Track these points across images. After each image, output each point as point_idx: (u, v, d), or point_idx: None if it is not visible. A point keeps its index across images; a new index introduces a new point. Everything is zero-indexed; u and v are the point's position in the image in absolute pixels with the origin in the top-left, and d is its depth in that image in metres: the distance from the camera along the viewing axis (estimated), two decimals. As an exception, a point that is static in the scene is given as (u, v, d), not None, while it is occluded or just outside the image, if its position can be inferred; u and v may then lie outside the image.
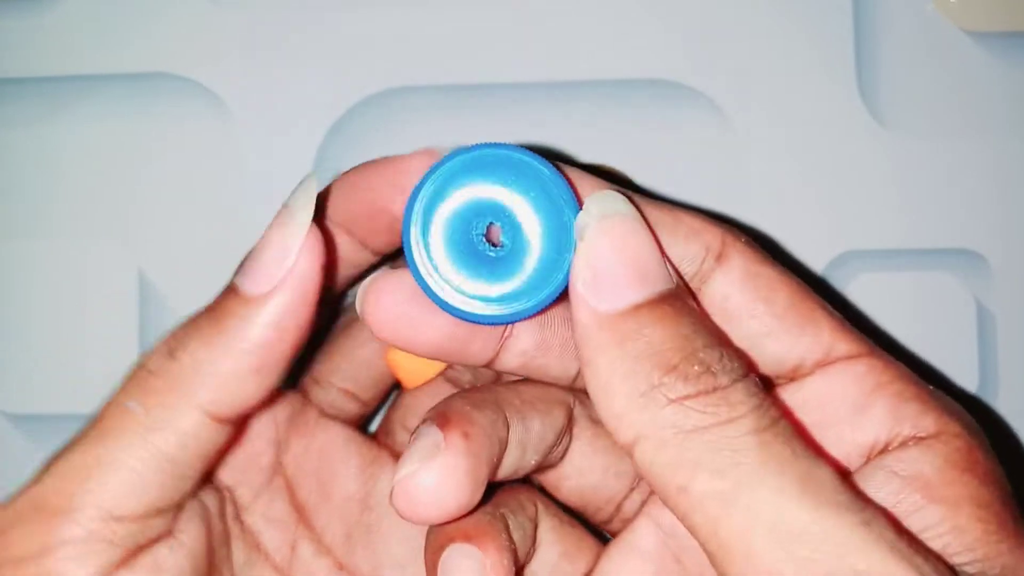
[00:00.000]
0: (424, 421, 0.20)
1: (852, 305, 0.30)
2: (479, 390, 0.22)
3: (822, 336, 0.20)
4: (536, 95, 0.31)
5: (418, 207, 0.19)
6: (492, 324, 0.19)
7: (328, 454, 0.24)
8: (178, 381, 0.19)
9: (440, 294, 0.19)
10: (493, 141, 0.19)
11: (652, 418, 0.17)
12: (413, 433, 0.20)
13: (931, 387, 0.20)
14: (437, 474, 0.19)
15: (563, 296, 0.19)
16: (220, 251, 0.31)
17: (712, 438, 0.16)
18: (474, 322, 0.19)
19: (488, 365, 0.21)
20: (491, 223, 0.19)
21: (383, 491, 0.24)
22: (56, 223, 0.31)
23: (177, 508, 0.20)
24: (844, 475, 0.18)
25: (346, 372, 0.25)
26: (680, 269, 0.20)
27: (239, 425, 0.20)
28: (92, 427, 0.19)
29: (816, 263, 0.30)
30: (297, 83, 0.31)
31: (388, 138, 0.31)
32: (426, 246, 0.19)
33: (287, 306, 0.18)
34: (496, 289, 0.19)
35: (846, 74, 0.30)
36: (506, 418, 0.21)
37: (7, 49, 0.32)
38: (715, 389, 0.17)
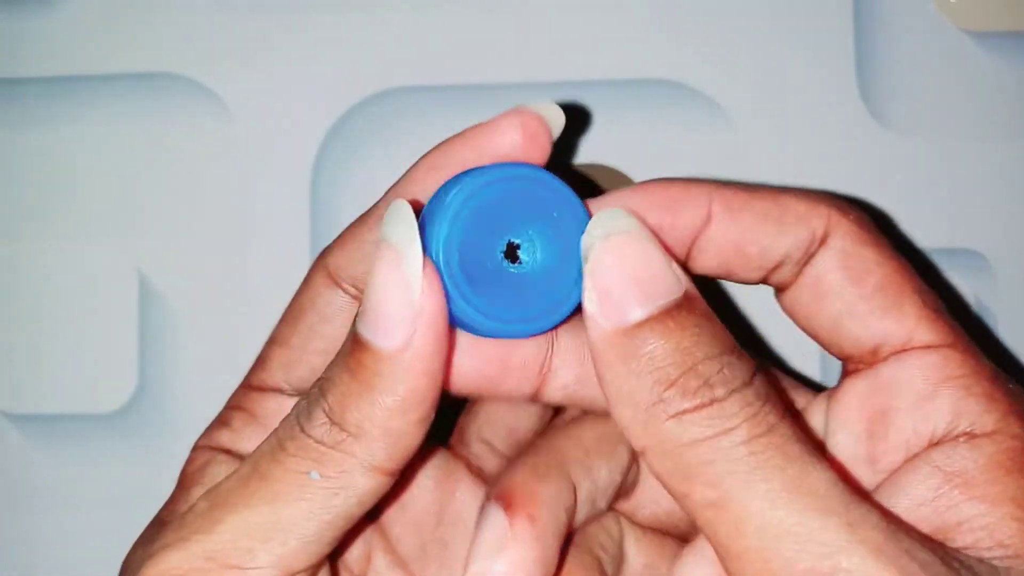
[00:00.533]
0: (489, 499, 0.20)
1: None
2: (541, 449, 0.22)
3: (906, 321, 0.20)
4: (536, 95, 0.31)
5: (438, 227, 0.18)
6: (507, 337, 0.20)
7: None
8: (350, 448, 0.19)
9: (461, 315, 0.19)
10: (510, 161, 0.19)
11: (654, 431, 0.18)
12: (481, 510, 0.20)
13: (1013, 385, 0.20)
14: (507, 568, 0.19)
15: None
16: (220, 251, 0.31)
17: (706, 450, 0.17)
18: (492, 337, 0.19)
19: (533, 400, 0.22)
20: (511, 241, 0.19)
21: (459, 507, 0.24)
22: (56, 223, 0.32)
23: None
24: (842, 475, 0.18)
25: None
26: (788, 256, 0.21)
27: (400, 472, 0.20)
28: (265, 486, 0.19)
29: (816, 263, 0.30)
30: (297, 83, 0.31)
31: (388, 138, 0.31)
32: (446, 264, 0.19)
33: (429, 352, 0.18)
34: (515, 306, 0.19)
35: (846, 74, 0.31)
36: (571, 481, 0.21)
37: (9, 50, 0.32)
38: (712, 402, 0.17)
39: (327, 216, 0.31)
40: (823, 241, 0.21)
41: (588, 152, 0.31)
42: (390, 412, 0.18)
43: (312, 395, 0.19)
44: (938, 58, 0.31)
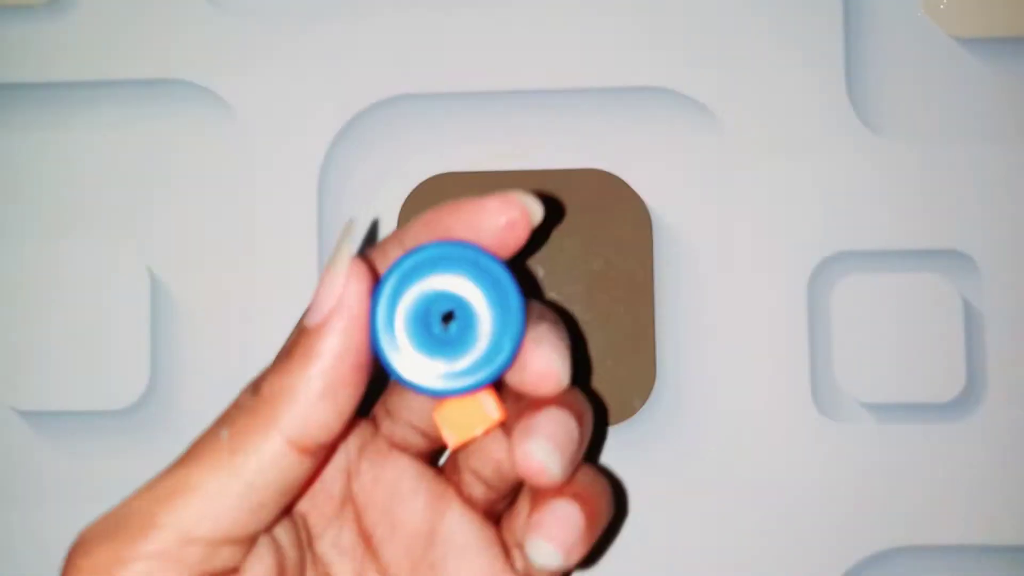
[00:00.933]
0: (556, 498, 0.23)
1: (841, 305, 0.31)
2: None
3: None
4: (533, 101, 0.31)
5: (384, 297, 0.21)
6: (440, 396, 0.22)
7: (396, 487, 0.25)
8: (259, 410, 0.20)
9: (402, 372, 0.21)
10: (447, 240, 0.22)
11: None
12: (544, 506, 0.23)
13: None
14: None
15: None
16: (229, 252, 0.32)
17: None
18: (427, 395, 0.22)
19: None
20: (447, 310, 0.22)
21: (448, 528, 0.24)
22: (68, 225, 0.32)
23: (250, 541, 0.21)
24: None
25: (416, 409, 0.25)
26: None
27: (318, 458, 0.21)
28: (187, 454, 0.21)
29: (805, 264, 0.31)
30: (304, 89, 0.32)
31: (393, 144, 0.32)
32: (390, 329, 0.21)
33: (341, 331, 0.20)
34: (449, 367, 0.22)
35: (836, 79, 0.31)
36: None
37: (17, 55, 0.32)
38: None
39: (334, 219, 0.32)
40: None
41: (583, 157, 0.31)
42: (304, 382, 0.20)
43: (255, 377, 0.21)
44: (927, 63, 0.31)
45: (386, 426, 0.26)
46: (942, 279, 0.30)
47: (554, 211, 0.31)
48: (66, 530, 0.31)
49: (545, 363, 0.22)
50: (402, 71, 0.32)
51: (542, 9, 0.32)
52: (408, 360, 0.21)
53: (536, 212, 0.22)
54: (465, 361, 0.22)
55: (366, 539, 0.24)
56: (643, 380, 0.30)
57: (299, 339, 0.21)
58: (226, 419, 0.21)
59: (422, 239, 0.22)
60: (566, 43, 0.32)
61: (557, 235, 0.31)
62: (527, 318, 0.22)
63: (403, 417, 0.25)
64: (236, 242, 0.32)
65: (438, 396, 0.22)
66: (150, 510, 0.20)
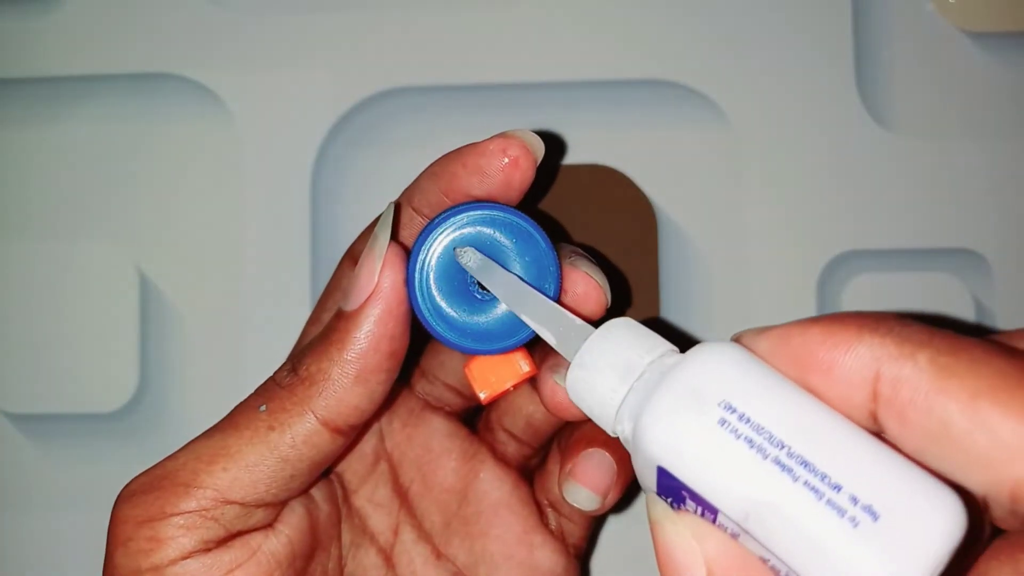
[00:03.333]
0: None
1: (852, 305, 0.30)
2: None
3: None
4: (536, 96, 0.31)
5: (418, 266, 0.22)
6: (460, 350, 0.22)
7: (430, 445, 0.26)
8: (296, 389, 0.21)
9: (438, 329, 0.22)
10: (470, 202, 0.22)
11: None
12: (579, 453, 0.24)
13: None
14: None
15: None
16: (220, 251, 0.31)
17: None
18: (464, 351, 0.22)
19: None
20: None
21: (481, 486, 0.26)
22: (57, 223, 0.31)
23: (283, 505, 0.23)
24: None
25: (450, 368, 0.26)
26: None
27: (349, 437, 0.22)
28: (226, 421, 0.22)
29: (816, 263, 0.30)
30: (297, 84, 0.31)
31: (388, 138, 0.31)
32: (428, 295, 0.22)
33: (378, 317, 0.21)
34: (481, 325, 0.22)
35: (845, 74, 0.31)
36: None
37: (9, 50, 0.32)
38: None
39: (327, 215, 0.31)
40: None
41: (588, 152, 0.31)
42: (338, 365, 0.21)
43: (293, 354, 0.23)
44: (936, 59, 0.31)
45: (421, 386, 0.27)
46: (953, 278, 0.30)
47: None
48: (55, 532, 0.31)
49: (584, 284, 0.22)
50: (399, 63, 0.31)
51: (543, 1, 0.31)
52: (455, 324, 0.22)
53: (537, 147, 0.23)
54: (489, 326, 0.22)
55: (401, 495, 0.26)
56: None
57: (336, 323, 0.22)
58: (263, 393, 0.22)
59: (429, 193, 0.23)
60: (569, 35, 0.31)
61: (560, 232, 0.30)
62: (560, 260, 0.22)
63: (439, 377, 0.26)
64: (227, 241, 0.31)
65: (483, 354, 0.22)
66: (194, 469, 0.21)
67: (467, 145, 0.23)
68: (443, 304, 0.22)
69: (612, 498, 0.24)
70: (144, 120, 0.31)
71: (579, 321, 0.19)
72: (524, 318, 0.20)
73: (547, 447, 0.26)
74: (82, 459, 0.31)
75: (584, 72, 0.31)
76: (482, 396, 0.23)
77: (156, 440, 0.31)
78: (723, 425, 0.15)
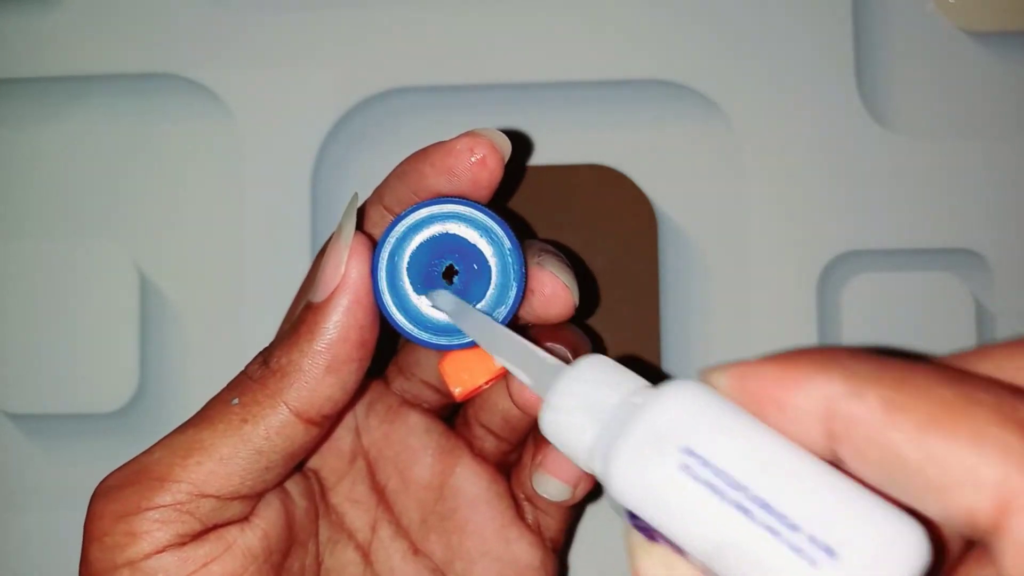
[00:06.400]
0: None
1: (851, 305, 0.30)
2: None
3: None
4: (536, 96, 0.31)
5: (383, 261, 0.22)
6: (454, 349, 0.22)
7: (407, 442, 0.26)
8: (268, 382, 0.21)
9: (405, 327, 0.22)
10: (435, 198, 0.22)
11: None
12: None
13: None
14: None
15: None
16: (221, 251, 0.31)
17: None
18: (440, 349, 0.22)
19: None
20: (448, 263, 0.22)
21: (459, 482, 0.26)
22: (57, 222, 0.31)
23: (258, 497, 0.23)
24: None
25: (427, 365, 0.26)
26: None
27: (323, 428, 0.22)
28: (199, 415, 0.22)
29: (816, 263, 0.30)
30: (298, 84, 0.31)
31: (388, 138, 0.31)
32: (395, 290, 0.22)
33: (346, 307, 0.21)
34: (445, 320, 0.22)
35: (846, 74, 0.31)
36: None
37: (10, 49, 0.32)
38: None
39: (327, 215, 0.31)
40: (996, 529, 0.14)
41: (588, 152, 0.31)
42: (310, 357, 0.21)
43: (265, 348, 0.23)
44: (937, 58, 0.31)
45: (399, 383, 0.27)
46: (953, 278, 0.30)
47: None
48: (55, 532, 0.31)
49: (552, 285, 0.22)
50: (400, 63, 0.31)
51: (543, 1, 0.31)
52: (421, 320, 0.22)
53: (504, 146, 0.23)
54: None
55: (379, 491, 0.26)
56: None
57: (305, 315, 0.22)
58: (236, 387, 0.22)
59: (399, 191, 0.23)
60: (570, 35, 0.31)
61: (559, 232, 0.30)
62: (526, 257, 0.22)
63: (415, 374, 0.26)
64: (227, 241, 0.31)
65: (451, 350, 0.22)
66: (169, 463, 0.21)
67: (435, 144, 0.23)
68: (407, 299, 0.22)
69: (583, 489, 0.24)
70: (144, 120, 0.31)
71: (551, 360, 0.19)
72: (499, 360, 0.21)
73: (525, 442, 0.26)
74: (82, 459, 0.31)
75: (584, 72, 0.31)
76: (456, 393, 0.23)
77: (156, 439, 0.31)
78: (684, 471, 0.15)
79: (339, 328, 0.21)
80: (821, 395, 0.15)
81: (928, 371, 0.15)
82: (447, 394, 0.26)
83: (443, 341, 0.22)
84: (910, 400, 0.14)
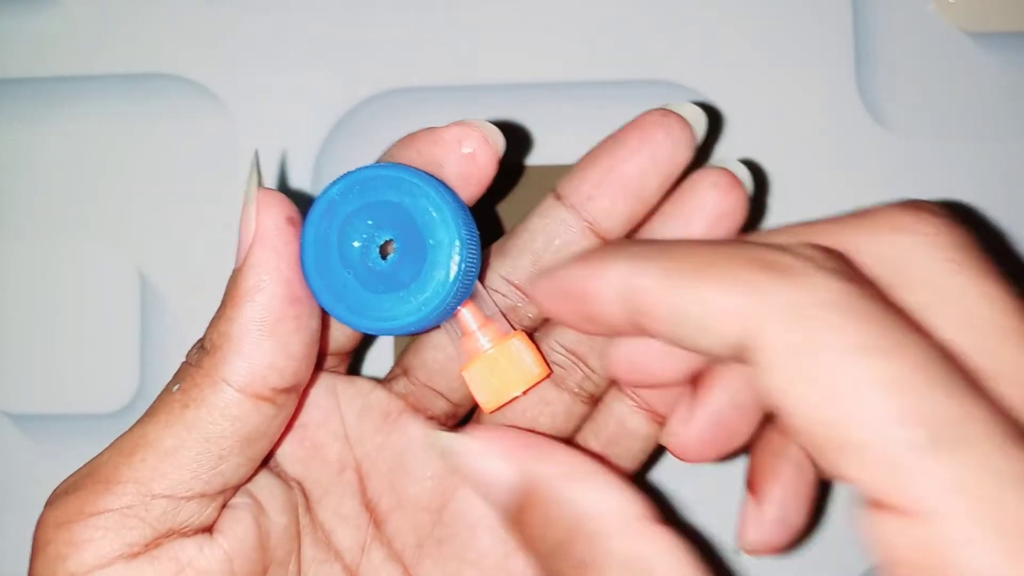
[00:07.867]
0: None
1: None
2: None
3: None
4: (535, 96, 0.31)
5: (309, 235, 0.20)
6: (395, 334, 0.20)
7: (404, 456, 0.23)
8: (204, 362, 0.20)
9: (345, 314, 0.20)
10: (362, 167, 0.20)
11: None
12: None
13: None
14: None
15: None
16: (221, 252, 0.31)
17: None
18: (377, 334, 0.20)
19: None
20: (384, 240, 0.20)
21: (460, 505, 0.23)
22: (56, 223, 0.31)
23: (218, 496, 0.20)
24: None
25: (433, 368, 0.23)
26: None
27: (278, 403, 0.20)
28: (146, 411, 0.20)
29: (815, 263, 0.30)
30: (297, 85, 0.31)
31: (389, 139, 0.31)
32: (325, 270, 0.20)
33: (264, 261, 0.19)
34: (402, 301, 0.19)
35: (845, 74, 0.31)
36: None
37: (8, 49, 0.32)
38: None
39: (327, 216, 0.31)
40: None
41: (584, 153, 0.31)
42: (237, 323, 0.19)
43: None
44: (937, 59, 0.31)
45: (402, 385, 0.24)
46: (953, 278, 0.30)
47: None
48: None
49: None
50: (400, 64, 0.31)
51: (542, 0, 0.31)
52: (352, 301, 0.20)
53: (497, 140, 0.21)
54: (416, 291, 0.19)
55: (370, 508, 0.23)
56: None
57: (228, 286, 0.20)
58: (178, 375, 0.20)
59: None
60: (566, 35, 0.31)
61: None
62: (475, 226, 0.20)
63: (420, 379, 0.24)
64: (228, 242, 0.31)
65: (392, 334, 0.20)
66: (115, 464, 0.20)
67: (423, 130, 0.21)
68: (339, 276, 0.20)
69: None
70: (144, 120, 0.31)
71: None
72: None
73: None
74: (82, 459, 0.30)
75: (584, 72, 0.31)
76: (486, 406, 0.20)
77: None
78: None
79: (262, 286, 0.19)
80: (616, 279, 0.18)
81: (697, 241, 0.20)
82: (458, 403, 0.24)
83: (372, 323, 0.19)
84: (680, 264, 0.17)
